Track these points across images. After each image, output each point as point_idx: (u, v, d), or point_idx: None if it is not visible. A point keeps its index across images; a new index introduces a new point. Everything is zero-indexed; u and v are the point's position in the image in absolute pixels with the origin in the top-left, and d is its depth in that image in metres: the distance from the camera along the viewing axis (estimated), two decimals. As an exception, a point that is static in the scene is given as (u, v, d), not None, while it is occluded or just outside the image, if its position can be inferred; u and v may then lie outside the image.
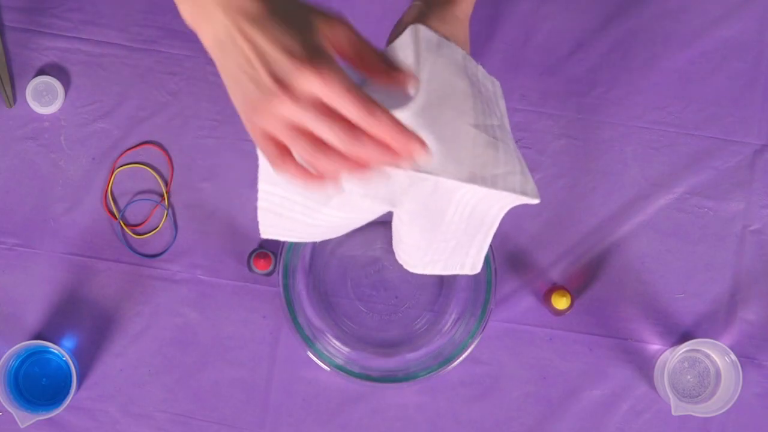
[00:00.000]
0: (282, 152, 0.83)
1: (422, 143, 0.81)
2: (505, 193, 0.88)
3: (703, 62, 1.32)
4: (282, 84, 0.80)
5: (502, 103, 0.95)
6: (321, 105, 0.80)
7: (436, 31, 0.95)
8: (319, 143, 0.81)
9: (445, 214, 0.92)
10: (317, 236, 1.00)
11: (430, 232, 0.94)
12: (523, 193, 0.89)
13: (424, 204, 0.91)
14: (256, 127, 0.83)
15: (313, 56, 0.80)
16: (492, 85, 0.96)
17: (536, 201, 0.90)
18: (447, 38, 0.96)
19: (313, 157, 0.81)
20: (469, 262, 0.98)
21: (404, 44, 0.92)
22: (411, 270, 0.99)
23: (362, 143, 0.80)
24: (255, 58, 0.82)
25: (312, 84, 0.80)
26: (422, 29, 0.93)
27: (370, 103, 0.80)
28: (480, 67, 0.96)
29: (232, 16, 0.83)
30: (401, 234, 0.97)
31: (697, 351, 1.29)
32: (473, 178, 0.87)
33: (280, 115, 0.81)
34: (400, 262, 1.00)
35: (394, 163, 0.81)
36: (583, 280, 1.30)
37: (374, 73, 0.88)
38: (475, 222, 0.92)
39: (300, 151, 0.82)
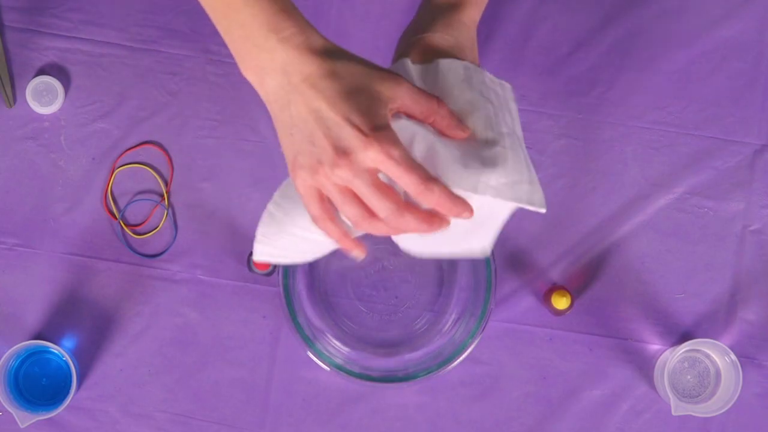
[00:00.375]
0: (325, 210, 0.91)
1: (469, 208, 0.88)
2: (511, 203, 0.90)
3: (703, 62, 1.32)
4: (344, 153, 0.86)
5: (513, 106, 0.96)
6: (375, 178, 0.87)
7: (442, 38, 0.98)
8: (366, 209, 0.89)
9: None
10: (309, 257, 1.01)
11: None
12: (530, 203, 0.91)
13: None
14: (307, 183, 0.89)
15: (378, 131, 0.86)
16: (502, 89, 0.96)
17: (543, 210, 0.92)
18: (451, 46, 0.97)
19: (358, 220, 0.89)
20: (478, 245, 0.97)
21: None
22: (416, 255, 0.98)
23: (405, 218, 0.88)
24: (316, 126, 0.87)
25: (375, 158, 0.86)
26: (408, 64, 0.96)
27: (427, 177, 0.87)
28: (486, 74, 0.96)
29: (293, 79, 0.88)
30: None
31: (697, 351, 1.29)
32: (479, 188, 0.89)
33: (336, 179, 0.87)
34: (404, 248, 0.99)
35: (432, 230, 0.90)
36: (583, 280, 1.30)
37: (437, 126, 0.91)
38: (484, 215, 0.93)
39: (348, 213, 0.89)
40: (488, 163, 0.90)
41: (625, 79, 1.31)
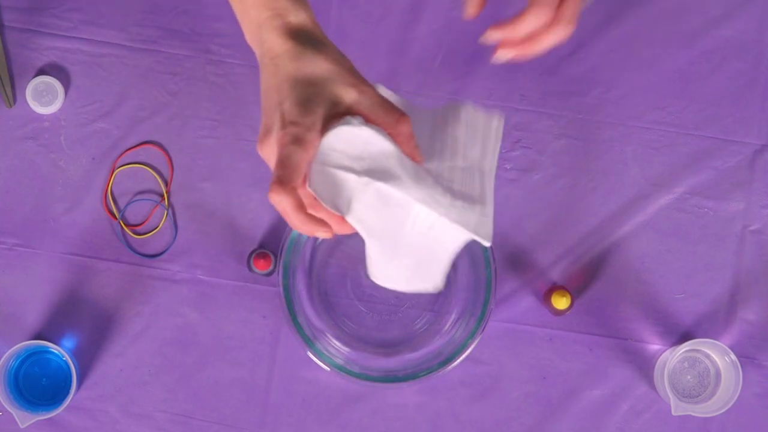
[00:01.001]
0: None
1: (321, 228, 0.92)
2: (455, 225, 0.92)
3: (703, 62, 1.32)
4: (267, 133, 0.92)
5: (491, 141, 0.97)
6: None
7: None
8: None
9: (404, 226, 0.94)
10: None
11: (391, 247, 0.96)
12: (476, 232, 0.93)
13: (380, 213, 0.92)
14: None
15: (292, 126, 0.90)
16: (484, 124, 0.97)
17: (487, 244, 0.95)
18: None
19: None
20: (431, 280, 0.98)
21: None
22: (377, 282, 1.00)
23: (287, 217, 0.91)
24: (263, 100, 0.93)
25: (278, 147, 0.91)
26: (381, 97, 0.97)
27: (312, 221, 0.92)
28: (466, 109, 0.97)
29: (265, 56, 0.94)
30: (366, 245, 0.98)
31: (697, 351, 1.29)
32: (426, 200, 0.91)
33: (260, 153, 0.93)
34: (368, 273, 1.00)
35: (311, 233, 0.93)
36: (583, 280, 1.30)
37: (396, 142, 0.93)
38: (434, 242, 0.94)
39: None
40: (442, 184, 0.92)
41: (625, 79, 1.31)
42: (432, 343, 1.26)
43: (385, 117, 0.92)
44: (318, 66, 0.92)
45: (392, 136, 0.92)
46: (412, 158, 0.93)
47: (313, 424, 1.29)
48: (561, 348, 1.30)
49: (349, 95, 0.92)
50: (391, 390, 1.29)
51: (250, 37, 0.97)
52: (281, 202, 0.89)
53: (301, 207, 0.89)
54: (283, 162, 0.89)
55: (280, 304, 1.23)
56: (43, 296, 1.29)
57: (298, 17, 0.94)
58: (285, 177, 0.89)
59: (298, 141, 0.89)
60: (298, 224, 0.90)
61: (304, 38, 0.93)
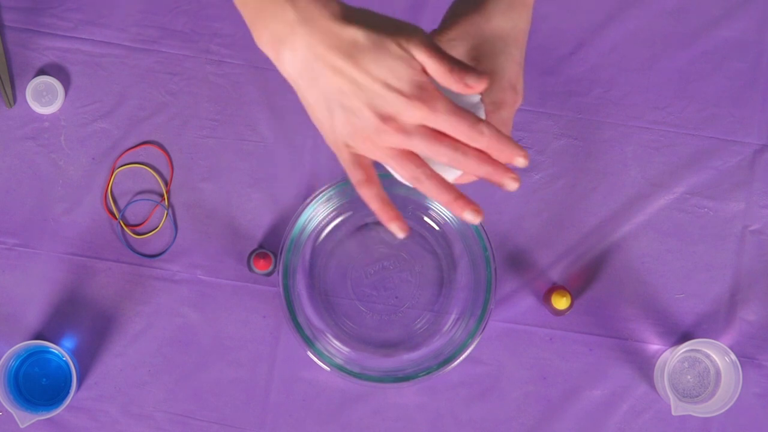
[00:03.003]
0: (369, 178, 0.87)
1: (524, 152, 0.85)
2: None
3: (703, 62, 1.32)
4: (390, 119, 0.84)
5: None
6: (426, 130, 0.84)
7: (500, 22, 0.94)
8: (424, 166, 0.86)
9: None
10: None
11: None
12: None
13: None
14: (348, 152, 0.87)
15: (418, 89, 0.83)
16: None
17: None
18: (507, 34, 0.94)
19: (420, 177, 0.86)
20: None
21: None
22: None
23: (468, 158, 0.85)
24: (355, 97, 0.84)
25: (422, 117, 0.84)
26: None
27: (475, 121, 0.84)
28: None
29: (319, 49, 0.84)
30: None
31: (697, 351, 1.29)
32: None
33: (385, 144, 0.85)
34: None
35: (497, 176, 0.87)
36: (583, 280, 1.30)
37: (454, 86, 0.87)
38: None
39: (407, 174, 0.86)
40: None
41: (625, 79, 1.31)
42: (432, 343, 1.26)
43: (440, 63, 0.86)
44: (374, 33, 0.86)
45: (450, 81, 0.87)
46: (476, 86, 0.87)
47: (313, 424, 1.29)
48: (561, 348, 1.30)
49: (412, 47, 0.86)
50: (391, 390, 1.29)
51: (270, 37, 0.87)
52: (476, 125, 0.85)
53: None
54: (469, 123, 0.85)
55: (280, 304, 1.23)
56: (43, 296, 1.29)
57: (327, 2, 0.85)
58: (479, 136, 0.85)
59: (442, 96, 0.85)
60: (505, 140, 0.86)
61: (344, 18, 0.85)
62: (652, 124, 1.31)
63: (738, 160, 1.31)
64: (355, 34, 0.84)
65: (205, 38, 1.30)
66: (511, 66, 0.94)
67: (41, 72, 1.30)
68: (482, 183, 1.31)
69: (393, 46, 0.85)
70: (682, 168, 1.31)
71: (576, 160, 1.31)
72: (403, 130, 0.84)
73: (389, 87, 0.83)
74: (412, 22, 1.34)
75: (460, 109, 0.85)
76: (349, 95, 0.84)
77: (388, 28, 0.85)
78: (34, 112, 1.30)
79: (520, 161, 0.86)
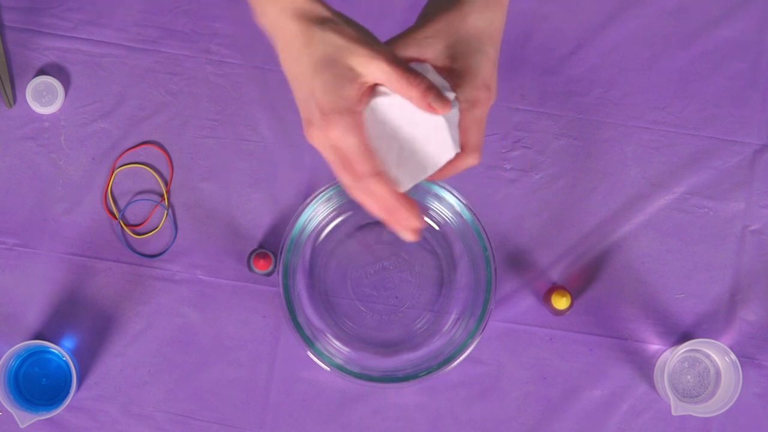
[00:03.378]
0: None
1: (415, 227, 0.92)
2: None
3: (703, 62, 1.32)
4: (310, 124, 0.91)
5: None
6: (338, 153, 0.91)
7: (476, 20, 0.95)
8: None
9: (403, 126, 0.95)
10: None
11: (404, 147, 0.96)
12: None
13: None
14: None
15: (335, 115, 0.89)
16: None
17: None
18: (482, 32, 0.94)
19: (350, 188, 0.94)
20: (445, 149, 0.96)
21: None
22: (409, 185, 0.98)
23: (363, 195, 0.92)
24: (296, 91, 0.92)
25: (332, 139, 0.90)
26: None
27: (371, 173, 0.90)
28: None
29: (278, 42, 0.92)
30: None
31: (697, 351, 1.29)
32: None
33: (310, 141, 0.93)
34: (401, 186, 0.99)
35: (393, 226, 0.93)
36: (583, 280, 1.30)
37: (414, 104, 0.92)
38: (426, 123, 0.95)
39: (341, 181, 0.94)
40: None
41: (625, 79, 1.31)
42: (432, 343, 1.26)
43: (398, 82, 0.90)
44: (328, 45, 0.90)
45: (410, 97, 0.91)
46: (437, 110, 0.91)
47: (313, 424, 1.29)
48: (561, 348, 1.30)
49: (363, 68, 0.90)
50: (391, 390, 1.29)
51: (261, 21, 0.95)
52: (388, 198, 0.90)
53: (395, 191, 0.91)
54: (352, 155, 0.90)
55: (280, 304, 1.23)
56: (43, 296, 1.29)
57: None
58: (366, 167, 0.90)
59: (351, 131, 0.89)
60: (396, 207, 0.91)
61: (309, 17, 0.91)
62: (652, 124, 1.31)
63: (738, 160, 1.31)
64: (310, 36, 0.90)
65: (205, 38, 1.30)
66: (486, 65, 0.94)
67: (41, 72, 1.30)
68: (482, 180, 1.31)
69: (338, 61, 0.89)
70: (682, 168, 1.31)
71: (576, 160, 1.31)
72: (318, 140, 0.91)
73: (314, 98, 0.90)
74: (412, 22, 1.35)
75: (365, 155, 0.90)
76: (294, 86, 0.92)
77: (346, 45, 0.90)
78: (34, 112, 1.30)
79: (407, 236, 0.93)
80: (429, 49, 0.94)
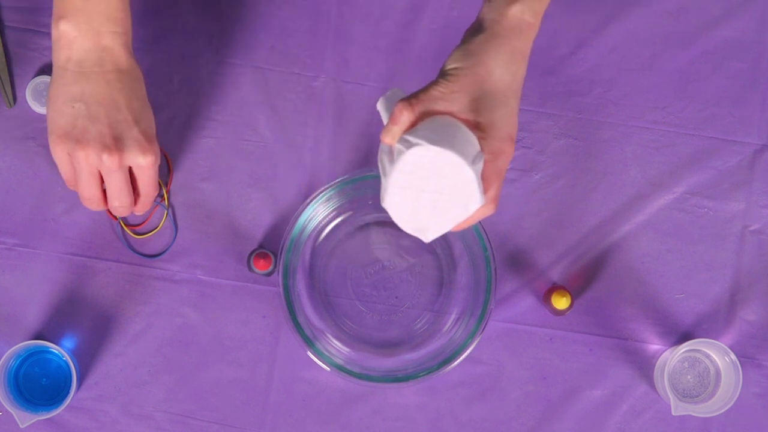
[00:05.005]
0: (74, 176, 1.16)
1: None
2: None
3: (703, 62, 1.32)
4: (118, 148, 1.10)
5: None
6: (126, 175, 1.14)
7: (502, 76, 0.97)
8: (101, 195, 1.17)
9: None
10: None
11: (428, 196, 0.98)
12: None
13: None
14: (65, 152, 1.11)
15: (151, 142, 1.12)
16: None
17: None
18: (507, 86, 0.96)
19: (91, 200, 1.17)
20: (470, 201, 0.97)
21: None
22: (433, 236, 1.00)
23: (126, 212, 1.17)
24: (106, 113, 1.08)
25: (146, 162, 1.12)
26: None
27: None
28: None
29: (106, 65, 1.09)
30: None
31: (697, 351, 1.29)
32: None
33: (98, 162, 1.11)
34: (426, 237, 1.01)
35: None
36: (583, 280, 1.30)
37: None
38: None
39: (86, 192, 1.15)
40: None
41: (625, 79, 1.31)
42: (432, 343, 1.26)
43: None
44: (142, 86, 1.12)
45: None
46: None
47: (313, 424, 1.29)
48: (561, 348, 1.30)
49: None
50: (391, 390, 1.29)
51: (82, 33, 1.06)
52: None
53: None
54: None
55: (280, 304, 1.23)
56: (43, 296, 1.29)
57: (129, 40, 1.09)
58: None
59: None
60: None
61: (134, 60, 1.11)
62: (652, 124, 1.31)
63: (738, 160, 1.31)
64: (141, 73, 1.12)
65: (205, 38, 1.30)
66: (510, 118, 0.95)
67: (41, 72, 1.30)
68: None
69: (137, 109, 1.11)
70: (682, 168, 1.31)
71: (576, 160, 1.31)
72: (121, 163, 1.10)
73: (137, 125, 1.08)
74: (412, 22, 1.35)
75: (127, 188, 1.12)
76: (103, 109, 1.10)
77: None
78: (34, 112, 1.30)
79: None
80: (455, 103, 0.95)
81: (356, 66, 1.30)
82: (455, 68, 0.97)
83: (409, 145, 0.93)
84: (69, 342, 1.28)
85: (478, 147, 0.94)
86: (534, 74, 1.31)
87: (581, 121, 1.31)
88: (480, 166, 0.94)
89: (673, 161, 1.31)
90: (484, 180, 0.95)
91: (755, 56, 1.32)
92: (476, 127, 0.95)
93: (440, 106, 0.95)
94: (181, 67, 1.30)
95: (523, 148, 1.31)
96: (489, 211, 0.97)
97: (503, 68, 0.96)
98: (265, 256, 1.26)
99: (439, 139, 0.93)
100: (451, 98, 0.95)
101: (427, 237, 0.99)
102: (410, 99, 0.92)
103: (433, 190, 0.95)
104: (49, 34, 1.30)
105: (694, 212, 1.31)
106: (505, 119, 0.95)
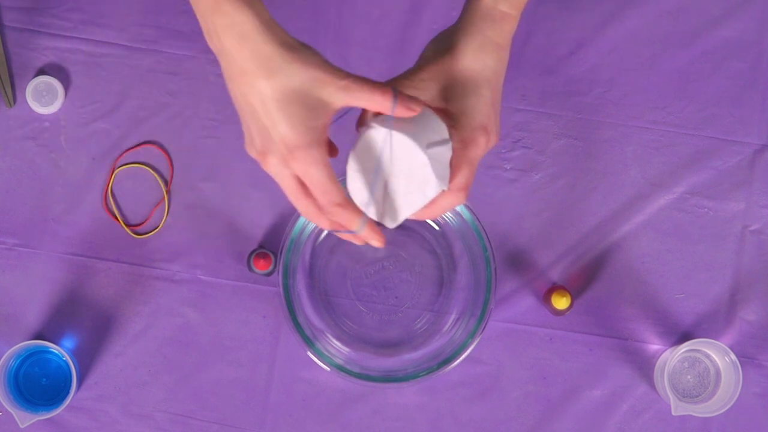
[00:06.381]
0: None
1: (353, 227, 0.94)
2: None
3: (703, 62, 1.32)
4: (265, 156, 0.91)
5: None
6: (296, 182, 0.92)
7: (471, 63, 0.95)
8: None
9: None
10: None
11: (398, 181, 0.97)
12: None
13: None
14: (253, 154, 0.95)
15: (300, 150, 0.89)
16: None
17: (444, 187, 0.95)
18: (478, 75, 0.95)
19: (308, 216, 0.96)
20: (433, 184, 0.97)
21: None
22: (401, 220, 0.99)
23: (320, 219, 0.94)
24: (251, 120, 0.91)
25: (295, 171, 0.91)
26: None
27: (335, 202, 0.91)
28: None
29: (233, 69, 0.90)
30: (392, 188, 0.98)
31: (697, 351, 1.29)
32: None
33: (265, 168, 0.94)
34: (395, 220, 1.00)
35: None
36: (583, 280, 1.30)
37: (388, 110, 0.92)
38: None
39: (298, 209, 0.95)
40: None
41: (625, 79, 1.31)
42: (432, 343, 1.26)
43: (371, 102, 0.90)
44: (293, 77, 0.88)
45: (384, 109, 0.91)
46: (406, 113, 0.92)
47: (313, 424, 1.29)
48: (561, 348, 1.30)
49: (332, 97, 0.89)
50: (391, 390, 1.29)
51: (213, 44, 0.92)
52: (353, 224, 0.91)
53: (369, 222, 0.93)
54: (315, 187, 0.90)
55: (280, 304, 1.23)
56: (43, 296, 1.29)
57: (254, 15, 0.88)
58: (329, 198, 0.90)
59: (317, 164, 0.89)
60: (371, 235, 0.93)
61: (267, 47, 0.88)
62: (652, 124, 1.31)
63: (738, 160, 1.31)
64: (276, 68, 0.88)
65: (205, 38, 1.30)
66: (482, 107, 0.94)
67: (41, 72, 1.30)
68: (482, 180, 1.31)
69: (306, 94, 0.88)
70: (682, 168, 1.31)
71: (576, 160, 1.31)
72: (274, 170, 0.91)
73: (277, 132, 0.89)
74: (412, 22, 1.35)
75: (329, 186, 0.90)
76: (247, 115, 0.91)
77: (315, 77, 0.89)
78: (34, 112, 1.30)
79: (375, 242, 0.95)
80: (425, 90, 0.95)
81: (356, 66, 1.30)
82: (426, 56, 0.97)
83: (368, 128, 0.93)
84: (69, 342, 1.28)
85: (444, 134, 0.94)
86: (534, 74, 1.31)
87: (581, 121, 1.31)
88: (441, 151, 0.93)
89: (673, 161, 1.31)
90: (453, 167, 0.94)
91: (755, 56, 1.32)
92: (446, 115, 0.95)
93: (410, 93, 0.94)
94: (181, 67, 1.30)
95: (523, 148, 1.31)
96: (458, 200, 0.95)
97: (472, 57, 0.95)
98: (265, 256, 1.26)
99: (398, 124, 0.93)
100: (420, 86, 0.95)
101: (389, 222, 0.98)
102: (382, 85, 0.92)
103: (390, 173, 0.95)
104: (49, 34, 1.30)
105: (694, 212, 1.31)
106: (476, 108, 0.94)
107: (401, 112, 0.91)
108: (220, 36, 0.89)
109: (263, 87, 0.88)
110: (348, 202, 0.91)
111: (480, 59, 0.95)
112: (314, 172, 0.89)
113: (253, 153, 0.93)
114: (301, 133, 0.88)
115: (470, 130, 0.94)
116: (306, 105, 0.88)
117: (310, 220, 0.93)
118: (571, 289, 1.29)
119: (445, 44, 0.97)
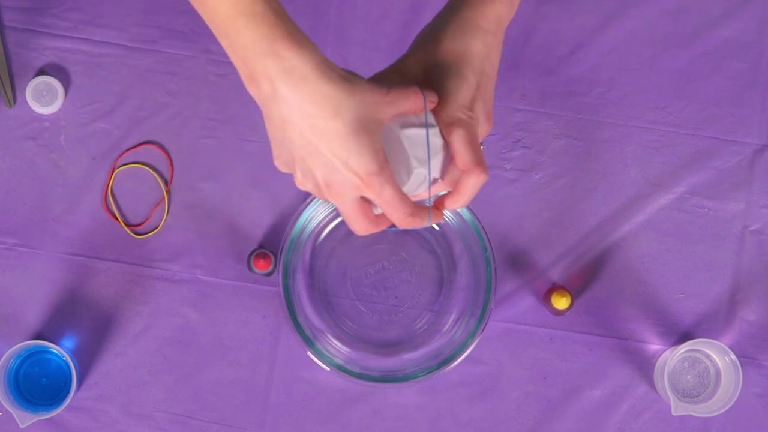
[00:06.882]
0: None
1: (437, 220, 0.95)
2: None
3: (703, 62, 1.32)
4: (331, 188, 0.90)
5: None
6: (357, 204, 0.92)
7: (449, 46, 0.94)
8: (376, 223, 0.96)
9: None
10: None
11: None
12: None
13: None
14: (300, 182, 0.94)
15: (373, 176, 0.88)
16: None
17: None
18: (458, 56, 0.95)
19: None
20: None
21: None
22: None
23: (379, 228, 0.94)
24: (310, 156, 0.89)
25: (368, 196, 0.90)
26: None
27: (409, 213, 0.91)
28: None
29: (293, 112, 0.87)
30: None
31: (697, 351, 1.29)
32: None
33: (322, 196, 0.92)
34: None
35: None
36: (583, 280, 1.30)
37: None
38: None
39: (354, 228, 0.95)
40: None
41: (625, 79, 1.31)
42: (432, 343, 1.26)
43: (411, 105, 0.91)
44: (355, 110, 0.87)
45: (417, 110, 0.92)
46: (431, 105, 0.92)
47: (313, 424, 1.29)
48: (561, 348, 1.30)
49: (386, 114, 0.90)
50: (391, 390, 1.29)
51: (259, 92, 0.89)
52: (424, 223, 0.93)
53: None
54: (389, 204, 0.90)
55: (280, 304, 1.23)
56: (43, 296, 1.29)
57: (311, 56, 0.87)
58: (404, 211, 0.91)
59: (390, 183, 0.89)
60: (439, 217, 0.95)
61: (330, 85, 0.87)
62: (652, 124, 1.31)
63: (738, 160, 1.31)
64: (332, 105, 0.87)
65: (205, 38, 1.30)
66: (464, 89, 0.94)
67: (41, 72, 1.30)
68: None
69: (366, 121, 0.88)
70: (682, 168, 1.31)
71: (576, 160, 1.31)
72: (339, 200, 0.90)
73: (347, 166, 0.88)
74: (412, 22, 1.35)
75: (402, 199, 0.90)
76: (304, 152, 0.89)
77: (369, 102, 0.88)
78: (34, 112, 1.30)
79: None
80: (409, 75, 0.95)
81: (356, 66, 1.30)
82: (413, 45, 0.98)
83: (402, 129, 0.94)
84: (69, 342, 1.28)
85: (431, 117, 0.94)
86: (534, 74, 1.31)
87: (581, 121, 1.31)
88: (436, 135, 0.94)
89: (673, 161, 1.31)
90: (454, 153, 0.94)
91: (755, 56, 1.32)
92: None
93: (395, 80, 0.95)
94: (181, 67, 1.30)
95: (523, 148, 1.31)
96: (478, 177, 0.93)
97: (452, 37, 0.95)
98: (265, 256, 1.26)
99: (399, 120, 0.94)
100: (405, 71, 0.95)
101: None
102: (410, 87, 0.92)
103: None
104: (49, 34, 1.30)
105: (694, 212, 1.31)
106: (459, 89, 0.94)
107: (430, 105, 0.92)
108: (273, 81, 0.86)
109: (330, 127, 0.87)
110: (417, 210, 0.92)
111: (460, 40, 0.95)
112: (387, 192, 0.89)
113: (309, 187, 0.92)
114: (373, 159, 0.88)
115: (452, 111, 0.93)
116: (369, 130, 0.88)
117: (363, 234, 0.94)
118: (571, 289, 1.29)
119: (429, 27, 0.97)
